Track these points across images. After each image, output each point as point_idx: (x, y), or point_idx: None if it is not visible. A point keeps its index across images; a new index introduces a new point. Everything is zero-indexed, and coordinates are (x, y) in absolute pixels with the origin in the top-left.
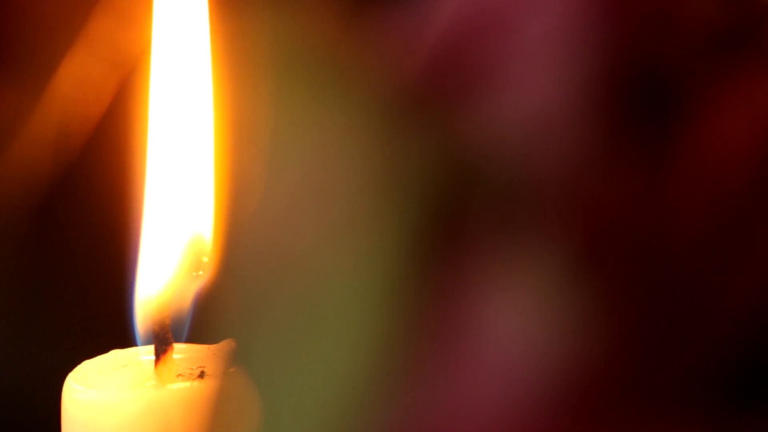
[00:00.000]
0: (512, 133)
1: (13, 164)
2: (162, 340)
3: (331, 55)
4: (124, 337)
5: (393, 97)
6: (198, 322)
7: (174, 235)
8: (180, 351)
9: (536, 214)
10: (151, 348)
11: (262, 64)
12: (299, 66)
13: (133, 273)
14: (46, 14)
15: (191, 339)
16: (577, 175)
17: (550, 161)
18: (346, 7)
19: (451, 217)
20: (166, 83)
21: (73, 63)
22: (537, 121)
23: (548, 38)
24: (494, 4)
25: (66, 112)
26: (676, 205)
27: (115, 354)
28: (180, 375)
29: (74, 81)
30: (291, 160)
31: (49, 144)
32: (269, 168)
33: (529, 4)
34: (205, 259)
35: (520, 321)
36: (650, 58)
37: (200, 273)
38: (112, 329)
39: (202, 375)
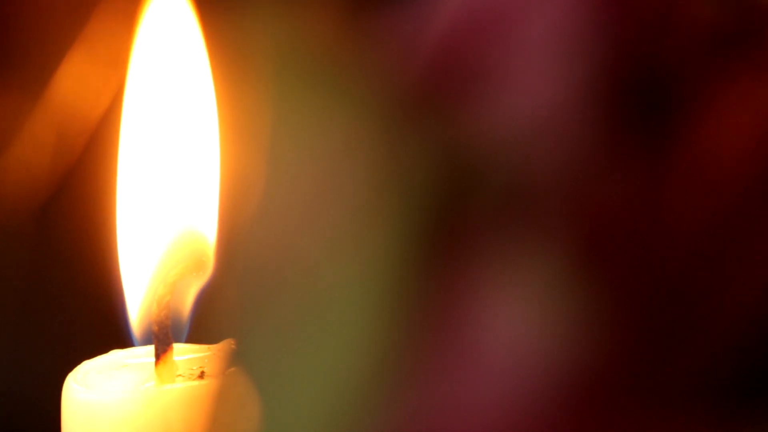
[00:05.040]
0: (513, 133)
1: (13, 165)
2: (162, 340)
3: (332, 55)
4: (124, 337)
5: (394, 97)
6: (198, 322)
7: (174, 235)
8: (180, 351)
9: (537, 215)
10: (151, 348)
11: (263, 64)
12: (300, 66)
13: (132, 273)
14: (46, 15)
15: (191, 339)
16: (578, 176)
17: (551, 162)
18: (347, 7)
19: (452, 217)
20: (164, 85)
21: (73, 64)
22: (537, 122)
23: (548, 38)
24: (494, 4)
25: (66, 113)
26: (677, 205)
27: (115, 354)
28: (180, 375)
29: (74, 82)
30: (291, 160)
31: (48, 145)
32: (270, 168)
33: (530, 4)
34: (206, 259)
35: (521, 321)
36: (650, 58)
37: (201, 273)
38: (112, 329)
39: (202, 375)
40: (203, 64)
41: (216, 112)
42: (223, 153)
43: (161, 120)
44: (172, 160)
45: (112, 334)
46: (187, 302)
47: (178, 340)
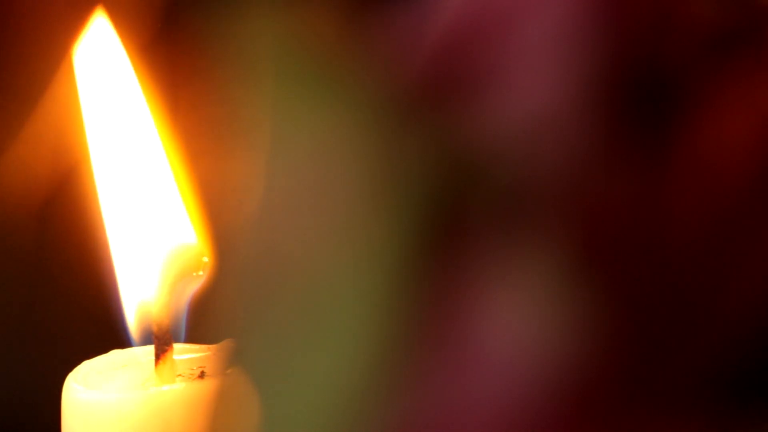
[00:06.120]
0: (512, 132)
1: (13, 165)
2: (162, 340)
3: (331, 54)
4: (124, 337)
5: (393, 96)
6: (198, 322)
7: (173, 234)
8: (180, 351)
9: (536, 214)
10: (151, 348)
11: (262, 63)
12: (299, 65)
13: (132, 273)
14: (46, 16)
15: (190, 339)
16: (577, 175)
17: (550, 161)
18: (347, 6)
19: (451, 218)
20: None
21: (73, 64)
22: (536, 121)
23: (548, 38)
24: (495, 4)
25: (65, 113)
26: (676, 205)
27: (115, 354)
28: (180, 375)
29: (74, 82)
30: (290, 160)
31: (48, 145)
32: (268, 168)
33: (530, 4)
34: (205, 259)
35: (520, 321)
36: (650, 57)
37: (199, 273)
38: (112, 329)
39: (201, 375)
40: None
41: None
42: (221, 152)
43: (155, 121)
44: (169, 159)
45: (112, 334)
46: (183, 302)
47: (177, 340)
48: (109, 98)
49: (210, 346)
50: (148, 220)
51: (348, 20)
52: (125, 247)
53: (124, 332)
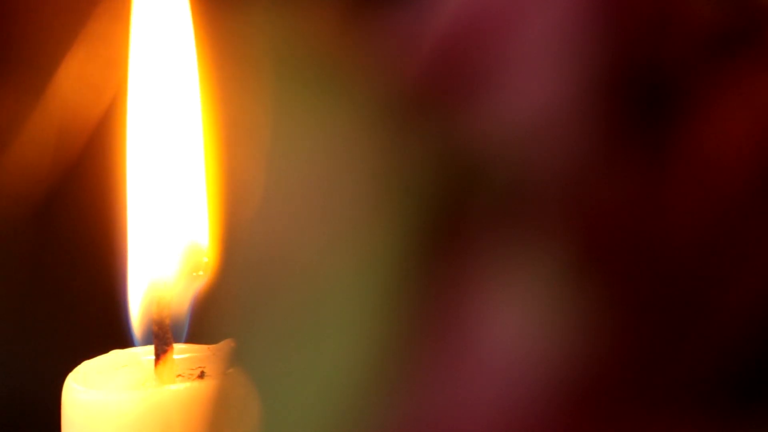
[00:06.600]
0: (512, 133)
1: (13, 164)
2: (162, 340)
3: (331, 55)
4: (124, 337)
5: (393, 97)
6: (198, 323)
7: (174, 234)
8: (180, 351)
9: (537, 215)
10: (151, 348)
11: (262, 65)
12: (299, 66)
13: (133, 273)
14: (47, 14)
15: (191, 339)
16: (577, 176)
17: (551, 162)
18: (346, 6)
19: (452, 218)
20: (162, 85)
21: (73, 63)
22: (537, 122)
23: (548, 38)
24: (494, 4)
25: (66, 112)
26: (676, 205)
27: (115, 354)
28: (180, 375)
29: (74, 81)
30: (291, 161)
31: (49, 144)
32: (269, 168)
33: (529, 5)
34: (205, 259)
35: (521, 321)
36: (650, 58)
37: (200, 273)
38: (112, 329)
39: (201, 375)
40: (197, 62)
41: (217, 112)
42: (222, 153)
43: (161, 121)
44: (171, 160)
45: (112, 334)
46: (186, 302)
47: (177, 340)
48: (159, 53)
49: (210, 346)
50: (167, 214)
51: (348, 20)
52: (127, 245)
53: (126, 332)
